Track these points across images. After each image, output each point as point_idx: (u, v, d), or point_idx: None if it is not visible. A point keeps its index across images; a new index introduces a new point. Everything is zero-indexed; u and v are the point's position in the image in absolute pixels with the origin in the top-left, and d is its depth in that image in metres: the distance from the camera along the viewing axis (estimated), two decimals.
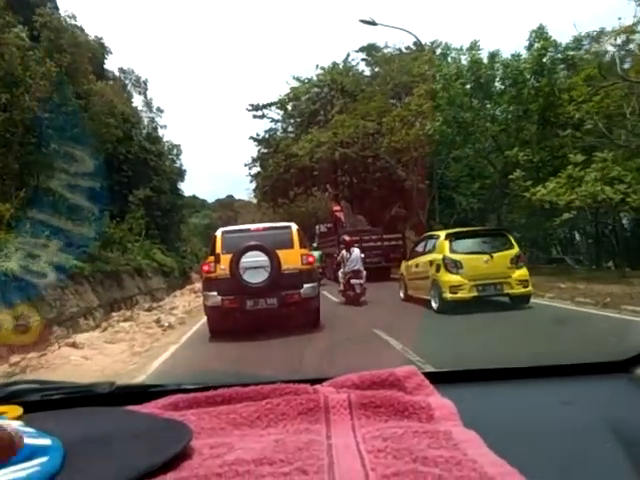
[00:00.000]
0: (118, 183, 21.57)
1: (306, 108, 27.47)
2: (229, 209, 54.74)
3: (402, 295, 10.89)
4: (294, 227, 8.12)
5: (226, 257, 7.43)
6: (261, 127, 48.30)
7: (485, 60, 15.33)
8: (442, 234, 9.48)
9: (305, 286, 7.51)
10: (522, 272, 8.88)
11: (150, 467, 0.52)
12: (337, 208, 21.55)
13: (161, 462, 0.53)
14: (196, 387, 0.86)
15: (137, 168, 24.37)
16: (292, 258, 7.60)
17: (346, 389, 0.75)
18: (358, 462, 0.53)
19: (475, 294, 8.56)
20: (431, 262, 9.13)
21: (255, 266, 7.33)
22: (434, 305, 8.94)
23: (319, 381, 0.82)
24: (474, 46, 15.41)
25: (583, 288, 10.31)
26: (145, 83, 29.67)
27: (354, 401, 0.69)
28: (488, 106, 15.85)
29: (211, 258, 7.73)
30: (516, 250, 9.14)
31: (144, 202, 22.20)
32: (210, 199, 58.81)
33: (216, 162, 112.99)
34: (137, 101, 31.18)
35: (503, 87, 15.35)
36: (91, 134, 12.26)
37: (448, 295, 8.52)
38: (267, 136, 28.94)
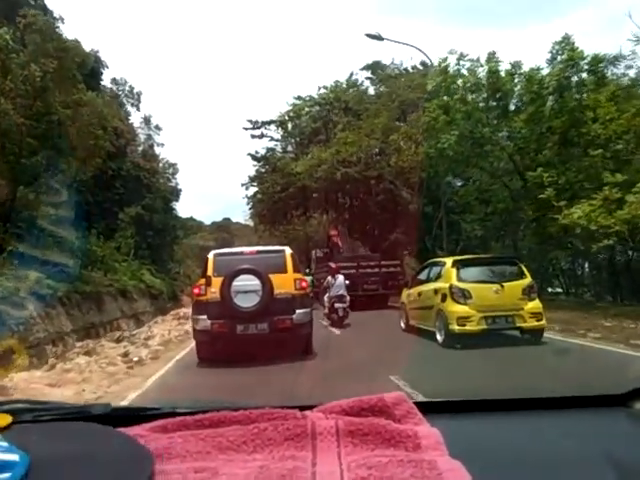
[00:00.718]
0: (109, 200, 21.41)
1: (307, 127, 27.20)
2: (226, 232, 56.47)
3: (403, 325, 10.64)
4: (288, 251, 8.20)
5: (217, 280, 7.46)
6: (260, 146, 48.72)
7: (503, 73, 14.59)
8: (448, 261, 9.17)
9: (297, 312, 7.53)
10: (535, 304, 8.53)
11: None
12: (334, 233, 21.97)
13: None
14: (190, 410, 0.87)
15: (129, 185, 24.22)
16: (285, 283, 7.64)
17: (335, 415, 0.77)
18: None
19: (484, 327, 8.18)
20: (436, 291, 8.85)
21: (247, 290, 7.36)
22: (439, 337, 8.58)
23: (310, 407, 0.84)
24: (492, 57, 14.54)
25: (635, 327, 9.45)
26: (139, 95, 29.45)
27: (342, 428, 0.72)
28: (504, 122, 15.11)
29: (202, 280, 7.78)
30: (529, 280, 8.81)
31: (135, 220, 21.97)
32: (207, 221, 60.89)
33: (214, 185, 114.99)
34: (135, 118, 31.10)
35: (522, 102, 14.76)
36: (79, 146, 11.93)
37: (455, 327, 8.15)
38: (266, 154, 28.62)
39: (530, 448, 0.84)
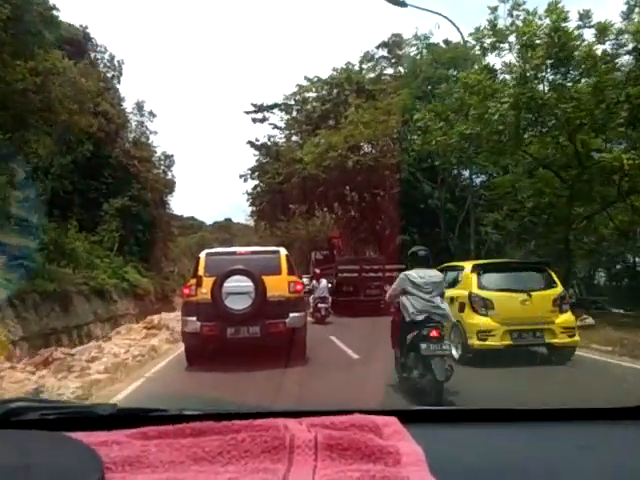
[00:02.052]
0: (94, 189, 20.91)
1: (314, 111, 25.83)
2: (226, 232, 59.31)
3: None
4: (283, 252, 8.39)
5: (208, 280, 7.61)
6: (261, 133, 48.45)
7: (567, 25, 12.18)
8: (467, 265, 8.74)
9: (291, 315, 7.67)
10: (567, 317, 8.06)
11: None
12: (336, 234, 22.32)
13: None
14: (197, 413, 0.94)
15: (118, 175, 23.78)
16: (279, 285, 7.78)
17: (319, 428, 0.80)
18: None
19: (509, 342, 7.68)
20: (452, 299, 8.33)
21: (238, 292, 7.48)
22: (455, 353, 8.03)
23: (303, 413, 0.91)
24: (554, 8, 12.28)
25: None
26: (120, 64, 28.51)
27: (320, 442, 0.75)
28: (565, 90, 12.55)
29: (193, 281, 7.93)
30: (560, 289, 8.35)
31: (121, 213, 21.40)
32: (209, 221, 65.29)
33: (218, 186, 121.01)
34: (127, 104, 30.48)
35: (585, 65, 12.43)
36: (53, 123, 11.19)
37: (475, 342, 7.68)
38: (267, 142, 27.41)
39: (524, 462, 0.86)
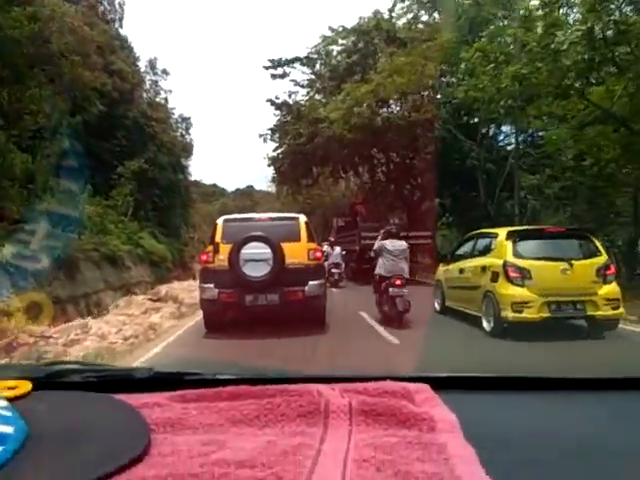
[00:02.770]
0: (107, 151, 20.86)
1: (339, 64, 24.26)
2: (248, 199, 60.89)
3: (437, 306, 10.28)
4: (302, 218, 8.50)
5: (226, 247, 7.76)
6: (282, 90, 47.67)
7: None
8: (502, 232, 8.35)
9: (310, 283, 7.77)
10: (612, 288, 7.69)
11: (101, 474, 0.58)
12: (358, 200, 22.27)
13: (113, 470, 0.59)
14: (231, 378, 1.01)
15: (133, 136, 23.69)
16: (298, 252, 7.87)
17: (352, 394, 0.83)
18: (339, 472, 0.60)
19: (547, 314, 7.35)
20: (484, 268, 8.17)
21: (256, 259, 7.59)
22: (486, 325, 7.90)
23: (337, 379, 0.96)
24: None
25: None
26: (121, 7, 27.83)
27: (355, 407, 0.78)
28: None
29: (210, 247, 8.12)
30: (604, 258, 7.95)
31: (137, 176, 21.39)
32: (231, 189, 68.11)
33: (240, 153, 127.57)
34: (140, 63, 30.10)
35: None
36: (56, 77, 10.76)
37: (509, 314, 7.37)
38: (288, 100, 25.99)
39: (558, 431, 0.86)
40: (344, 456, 0.64)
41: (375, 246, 9.24)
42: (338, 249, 17.11)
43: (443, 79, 19.55)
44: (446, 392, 0.88)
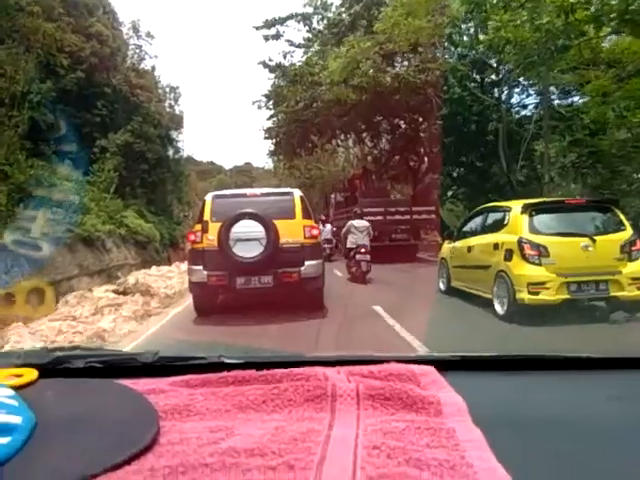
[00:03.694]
0: (88, 123, 20.34)
1: (339, 17, 22.91)
2: (246, 176, 62.18)
3: (442, 286, 10.23)
4: (297, 193, 8.34)
5: (215, 226, 7.63)
6: (276, 51, 46.34)
7: None
8: (515, 205, 8.04)
9: (307, 263, 7.67)
10: (638, 266, 7.32)
11: (110, 464, 0.60)
12: (357, 175, 22.29)
13: (122, 460, 0.61)
14: (236, 362, 1.04)
15: (115, 106, 23.08)
16: (293, 230, 7.77)
17: (359, 377, 0.87)
18: (350, 459, 0.63)
19: (566, 296, 7.04)
20: (496, 245, 7.90)
21: (248, 238, 7.48)
22: (498, 308, 7.62)
23: (342, 362, 0.98)
24: None
25: None
26: None
27: (362, 391, 0.81)
28: None
29: (198, 226, 7.95)
30: (629, 233, 7.60)
31: (122, 150, 20.87)
32: (229, 166, 69.64)
33: (238, 130, 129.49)
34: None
35: None
36: (21, 38, 10.15)
37: (525, 296, 7.06)
38: (284, 62, 24.80)
39: (568, 411, 0.89)
40: (354, 442, 0.67)
41: (345, 226, 12.65)
42: (328, 226, 18.62)
43: (463, 25, 17.69)
44: (451, 374, 0.91)
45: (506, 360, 1.12)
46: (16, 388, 0.74)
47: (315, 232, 8.14)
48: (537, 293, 7.01)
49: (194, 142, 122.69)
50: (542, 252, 7.14)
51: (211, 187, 46.61)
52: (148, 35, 30.89)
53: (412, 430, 0.70)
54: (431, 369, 0.91)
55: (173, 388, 0.86)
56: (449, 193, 22.42)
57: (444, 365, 0.96)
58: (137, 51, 30.18)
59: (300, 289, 7.79)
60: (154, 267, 14.71)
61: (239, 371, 0.90)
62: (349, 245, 12.11)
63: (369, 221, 15.55)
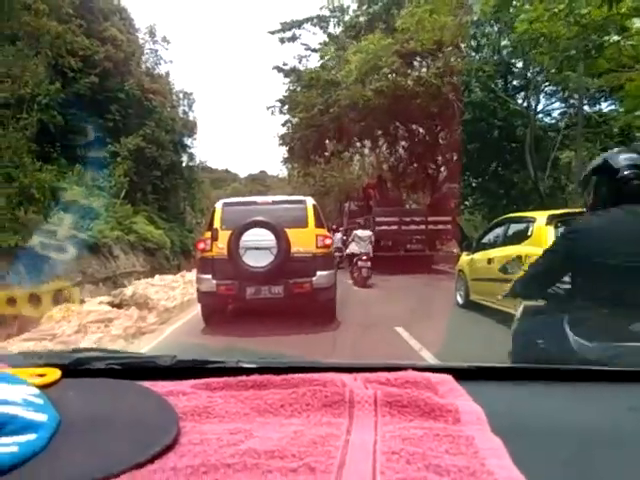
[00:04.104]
0: (100, 127, 20.48)
1: (356, 18, 22.42)
2: (261, 184, 64.06)
3: (460, 299, 10.04)
4: (310, 201, 8.34)
5: (225, 234, 7.63)
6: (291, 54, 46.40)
7: None
8: (540, 216, 7.74)
9: (319, 274, 7.65)
10: None
11: (133, 463, 0.62)
12: (371, 184, 22.32)
13: (145, 459, 0.64)
14: (253, 366, 1.07)
15: (129, 111, 23.26)
16: (305, 239, 7.76)
17: (376, 384, 0.89)
18: (369, 464, 0.64)
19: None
20: (519, 258, 7.22)
21: (258, 247, 7.49)
22: None
23: (358, 369, 1.00)
24: None
25: None
26: None
27: (380, 398, 0.83)
28: None
29: (208, 234, 7.96)
30: None
31: (134, 155, 20.94)
32: (244, 174, 73.22)
33: (253, 138, 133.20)
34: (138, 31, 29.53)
35: None
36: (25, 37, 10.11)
37: None
38: (299, 65, 24.49)
39: (585, 422, 0.89)
40: (372, 448, 0.68)
41: (351, 235, 14.33)
42: (339, 235, 19.00)
43: (488, 27, 17.24)
44: (467, 383, 0.92)
45: (521, 370, 1.15)
46: (40, 387, 0.77)
47: (328, 241, 8.10)
48: None
49: (209, 150, 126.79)
50: None
51: (225, 195, 47.11)
52: (164, 40, 31.26)
53: (431, 437, 0.71)
54: (448, 377, 0.93)
55: (193, 390, 0.89)
56: (467, 202, 22.14)
57: (459, 374, 0.98)
58: (152, 56, 30.55)
59: (312, 300, 7.76)
60: (157, 276, 14.24)
61: (257, 375, 0.92)
62: (349, 251, 13.94)
63: (383, 231, 16.05)
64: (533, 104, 18.05)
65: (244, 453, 0.65)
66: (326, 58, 22.91)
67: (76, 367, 1.03)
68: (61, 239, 9.50)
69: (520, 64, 18.09)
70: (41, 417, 0.67)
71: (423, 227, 17.62)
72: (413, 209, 20.99)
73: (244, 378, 0.92)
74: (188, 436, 0.71)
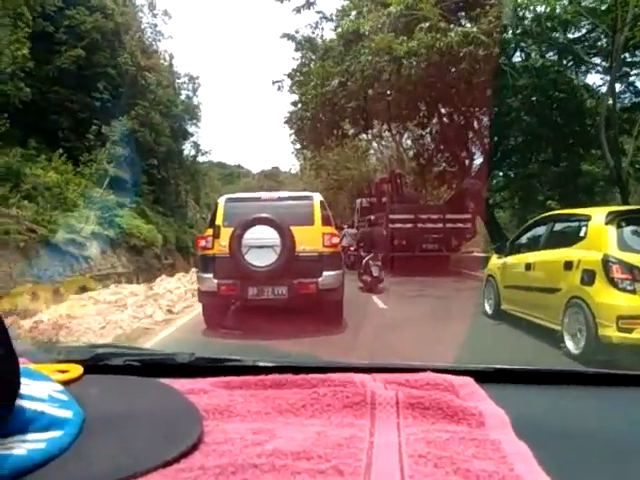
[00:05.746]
0: (86, 107, 20.12)
1: None
2: (273, 180, 66.98)
3: (488, 308, 9.91)
4: (317, 197, 8.63)
5: (227, 231, 7.90)
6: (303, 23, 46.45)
7: None
8: (596, 214, 7.30)
9: (325, 274, 7.88)
10: None
11: (160, 462, 0.65)
12: (385, 178, 22.86)
13: (171, 458, 0.66)
14: (271, 365, 1.12)
15: (119, 90, 23.02)
16: (311, 238, 8.02)
17: (396, 385, 0.93)
18: (397, 467, 0.66)
19: None
20: (569, 264, 7.18)
21: (262, 245, 7.73)
22: (571, 345, 6.83)
23: (378, 370, 1.06)
24: None
25: None
26: None
27: (402, 400, 0.86)
28: None
29: (209, 231, 8.26)
30: None
31: (125, 139, 20.57)
32: (256, 170, 77.08)
33: (267, 134, 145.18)
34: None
35: None
36: None
37: (612, 333, 6.23)
38: (313, 35, 23.00)
39: (610, 426, 0.92)
40: (398, 451, 0.70)
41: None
42: (352, 230, 20.50)
43: None
44: (489, 386, 0.97)
45: (542, 373, 1.19)
46: (62, 383, 0.80)
47: (335, 240, 8.34)
48: (630, 330, 6.15)
49: (222, 145, 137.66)
50: (637, 276, 6.35)
51: (236, 190, 48.61)
52: (165, 13, 30.79)
53: (456, 440, 0.74)
54: (470, 380, 0.97)
55: (214, 389, 0.93)
56: (492, 199, 21.50)
57: (480, 376, 1.01)
58: (151, 30, 30.11)
59: (317, 301, 8.07)
60: (112, 286, 12.99)
61: (276, 375, 0.98)
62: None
63: (397, 229, 17.59)
64: (614, 71, 15.86)
65: (271, 454, 0.67)
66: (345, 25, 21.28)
67: (95, 363, 1.07)
68: (13, 232, 8.80)
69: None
70: (67, 414, 0.70)
71: (440, 225, 17.89)
72: (430, 205, 21.60)
73: (263, 377, 0.96)
74: (212, 435, 0.74)
